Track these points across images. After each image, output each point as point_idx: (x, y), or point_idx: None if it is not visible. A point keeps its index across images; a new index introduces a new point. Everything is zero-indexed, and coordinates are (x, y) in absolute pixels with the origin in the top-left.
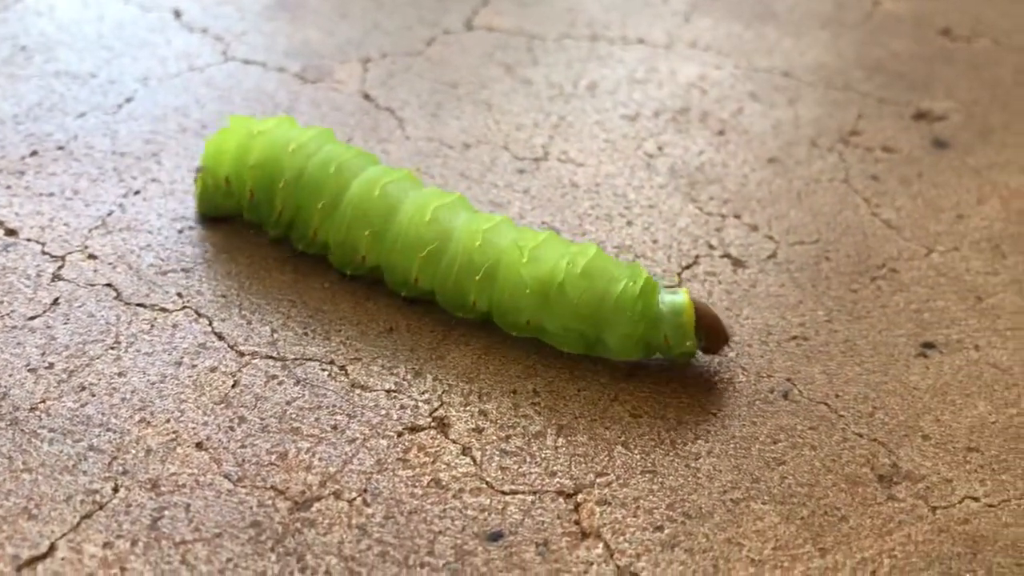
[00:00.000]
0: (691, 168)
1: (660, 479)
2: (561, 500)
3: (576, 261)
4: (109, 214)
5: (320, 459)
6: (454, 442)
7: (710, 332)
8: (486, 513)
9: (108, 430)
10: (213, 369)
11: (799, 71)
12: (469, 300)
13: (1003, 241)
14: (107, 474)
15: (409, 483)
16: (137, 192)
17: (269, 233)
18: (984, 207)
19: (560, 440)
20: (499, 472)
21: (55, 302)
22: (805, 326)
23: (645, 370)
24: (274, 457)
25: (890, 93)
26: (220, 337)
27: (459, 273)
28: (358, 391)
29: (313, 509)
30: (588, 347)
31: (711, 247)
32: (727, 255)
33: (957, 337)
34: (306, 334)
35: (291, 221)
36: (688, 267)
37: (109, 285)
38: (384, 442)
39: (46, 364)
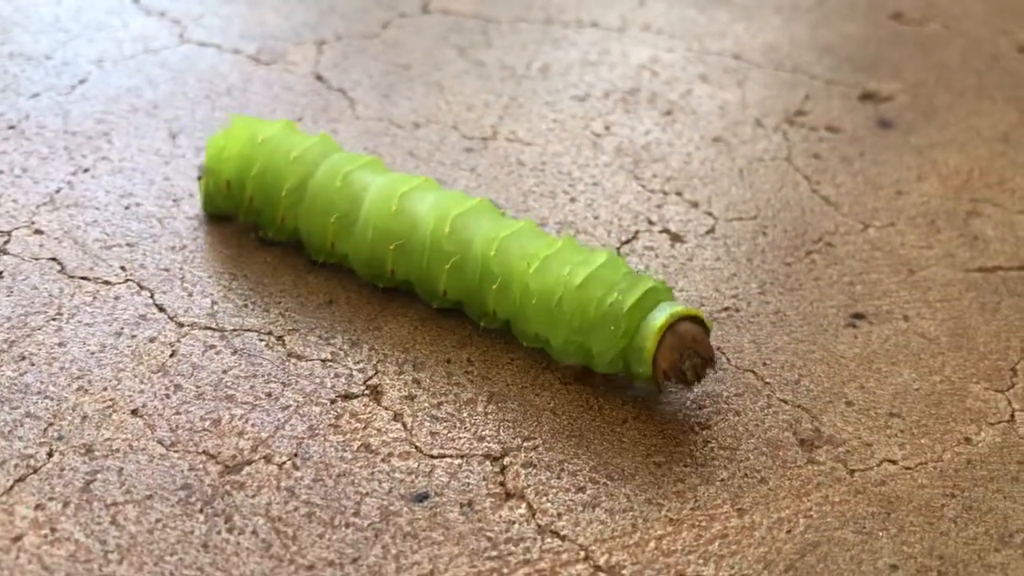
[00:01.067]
0: (637, 147)
1: (586, 443)
2: (488, 463)
3: (576, 272)
4: (57, 191)
5: (253, 425)
6: (386, 409)
7: (656, 371)
8: (413, 476)
9: (46, 398)
10: (152, 339)
11: (750, 54)
12: (489, 309)
13: (939, 216)
14: (42, 440)
15: (339, 448)
16: (86, 170)
17: (272, 237)
18: (923, 184)
19: (491, 407)
20: (429, 437)
21: None
22: (738, 298)
23: None
24: (207, 423)
25: (839, 75)
26: (161, 309)
27: (480, 283)
28: (294, 360)
29: (243, 472)
30: (585, 359)
31: (651, 223)
32: (666, 230)
33: (887, 308)
34: (246, 306)
35: (295, 230)
36: (627, 242)
37: (54, 259)
38: (317, 409)
39: None
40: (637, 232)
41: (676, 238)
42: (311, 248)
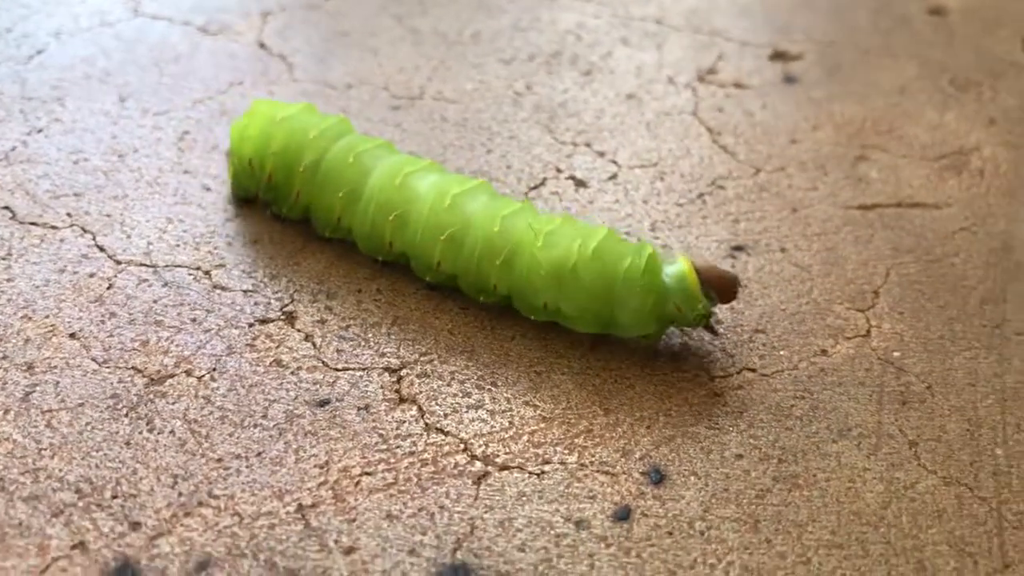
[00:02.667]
0: (554, 104)
1: (476, 357)
2: (386, 375)
3: (587, 243)
4: (12, 149)
5: (177, 345)
6: (299, 331)
7: (718, 286)
8: (318, 386)
9: None
10: (92, 275)
11: (671, 18)
12: (490, 284)
13: (828, 161)
14: None
15: (253, 363)
16: (40, 130)
17: (284, 214)
18: (817, 133)
19: (394, 328)
20: (335, 354)
21: None
22: (630, 234)
23: None
24: (137, 344)
25: (754, 37)
26: (101, 249)
27: (480, 258)
28: (218, 291)
29: (166, 384)
30: (603, 326)
31: (559, 171)
32: (572, 177)
33: (766, 241)
34: (178, 246)
35: (308, 206)
36: (535, 187)
37: (7, 208)
38: (236, 331)
39: None
40: (545, 179)
41: (580, 184)
42: (319, 223)
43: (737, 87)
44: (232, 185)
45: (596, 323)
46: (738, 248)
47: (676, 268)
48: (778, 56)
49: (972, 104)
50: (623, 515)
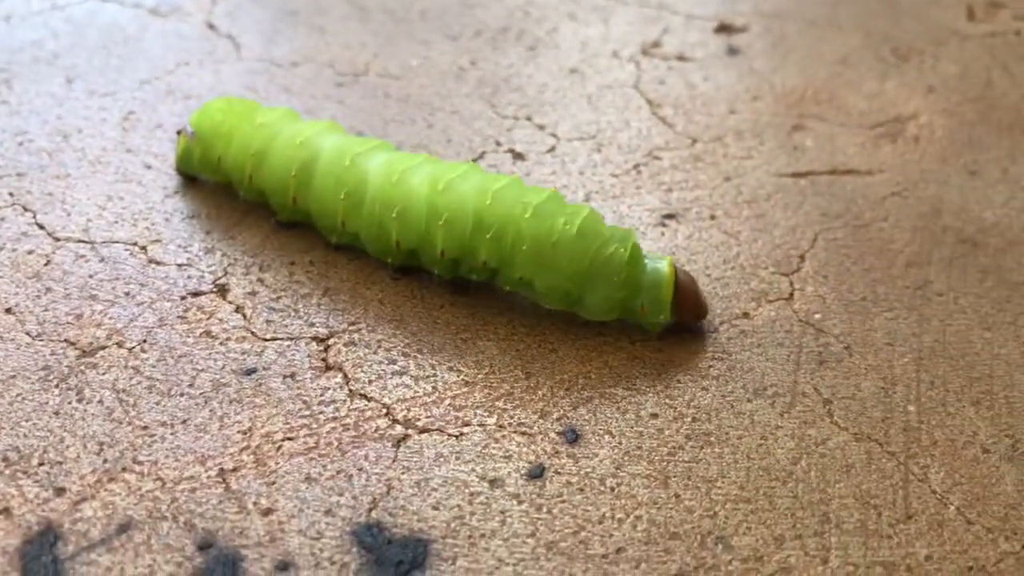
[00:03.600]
0: (498, 79)
1: (404, 326)
2: (314, 344)
3: (572, 221)
4: None
5: (110, 318)
6: (230, 303)
7: (684, 308)
8: (246, 355)
9: None
10: (30, 252)
11: None
12: (480, 260)
13: (765, 131)
14: None
15: (183, 335)
16: None
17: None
18: (757, 103)
19: (324, 299)
20: (265, 325)
21: None
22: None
23: None
24: (71, 318)
25: (700, 10)
26: (41, 227)
27: (473, 233)
28: (153, 266)
29: (97, 356)
30: (569, 304)
31: (498, 144)
32: (511, 150)
33: (696, 210)
34: (116, 222)
35: (307, 211)
36: (474, 160)
37: None
38: (168, 304)
39: None
40: (484, 152)
41: (518, 156)
42: (323, 229)
43: (680, 60)
44: (178, 162)
45: (563, 301)
46: (669, 216)
47: (657, 270)
48: (723, 29)
49: (913, 73)
50: (537, 473)
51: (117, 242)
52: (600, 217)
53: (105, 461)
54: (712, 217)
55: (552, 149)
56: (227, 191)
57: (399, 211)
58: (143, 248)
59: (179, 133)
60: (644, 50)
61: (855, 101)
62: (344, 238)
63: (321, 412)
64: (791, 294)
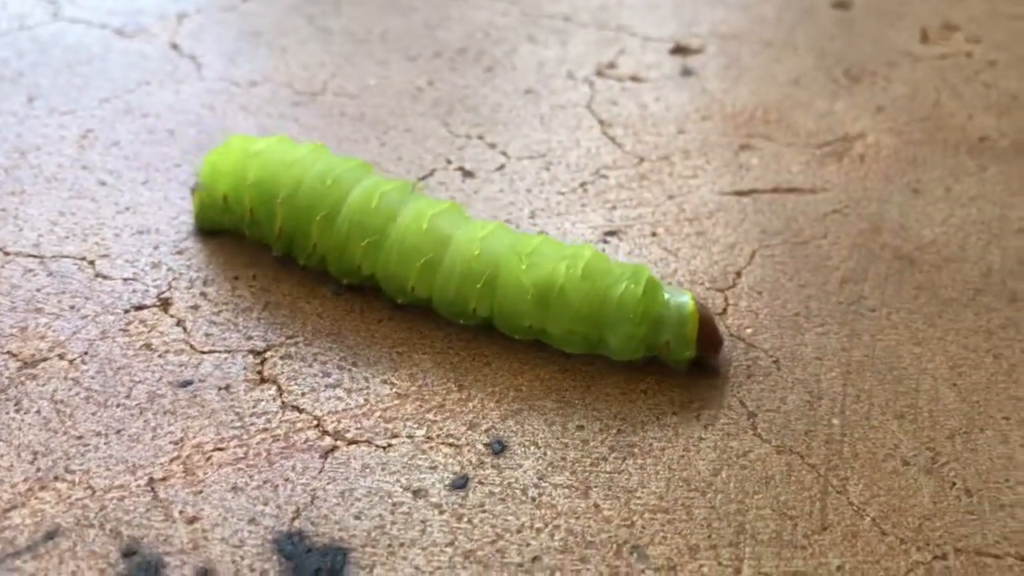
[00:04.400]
0: (453, 99)
1: (342, 340)
2: (251, 357)
3: (575, 264)
4: None
5: (53, 331)
6: (172, 316)
7: (705, 343)
8: (183, 368)
9: None
10: None
11: (579, 14)
12: (470, 307)
13: (712, 150)
14: None
15: (124, 347)
16: None
17: (273, 249)
18: (706, 123)
19: (264, 313)
20: (204, 338)
21: None
22: (510, 222)
23: None
24: (15, 330)
25: (657, 31)
26: None
27: (460, 281)
28: (100, 280)
29: (38, 367)
30: (591, 347)
31: (448, 161)
32: (461, 168)
33: (639, 227)
34: (67, 237)
35: (291, 236)
36: (423, 178)
37: None
38: (111, 317)
39: None
40: (434, 170)
41: (468, 174)
42: (299, 252)
43: (634, 80)
44: (197, 219)
45: (584, 345)
46: (610, 233)
47: (682, 305)
48: (679, 50)
49: (864, 93)
50: (460, 484)
51: (66, 256)
52: (605, 257)
53: (38, 470)
54: (653, 234)
55: (502, 167)
56: (175, 207)
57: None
58: (91, 263)
59: (192, 191)
60: (599, 71)
61: (804, 121)
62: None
63: (252, 423)
64: (724, 309)
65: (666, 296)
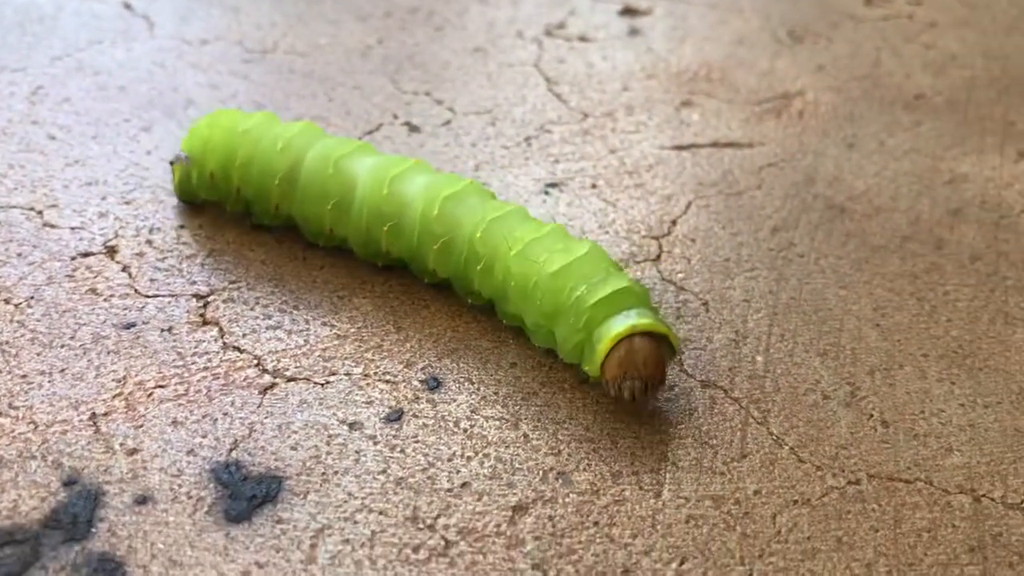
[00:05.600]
0: (402, 57)
1: (284, 284)
2: (194, 300)
3: (553, 260)
4: None
5: (0, 277)
6: (118, 263)
7: (610, 374)
8: (127, 311)
9: None
10: None
11: None
12: (475, 288)
13: (654, 107)
14: None
15: (70, 292)
16: None
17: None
18: (650, 81)
19: (208, 259)
20: (148, 283)
21: None
22: (456, 174)
23: None
24: None
25: None
26: None
27: (466, 263)
28: (47, 229)
29: None
30: (553, 343)
31: (395, 117)
32: (407, 123)
33: (579, 179)
34: (16, 188)
35: (289, 216)
36: (369, 132)
37: None
38: (58, 264)
39: None
40: (381, 124)
41: (414, 129)
42: (309, 233)
43: (582, 40)
44: (178, 191)
45: (546, 340)
46: (552, 185)
47: (610, 326)
48: (628, 12)
49: (805, 53)
50: (395, 417)
51: (15, 207)
52: (601, 257)
53: None
54: (593, 186)
55: (448, 123)
56: (128, 160)
57: (392, 225)
58: (39, 212)
59: (172, 163)
60: (548, 31)
61: (746, 79)
62: (332, 242)
63: (194, 362)
64: (659, 256)
65: (620, 315)
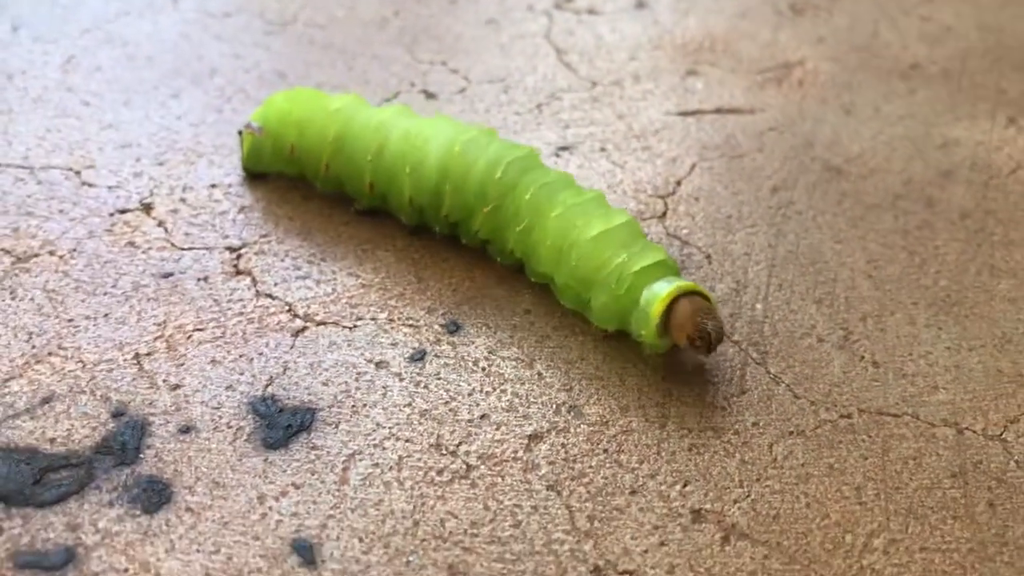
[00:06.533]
0: (418, 29)
1: (311, 239)
2: (227, 253)
3: (593, 224)
4: None
5: (44, 231)
6: (154, 219)
7: (678, 334)
8: (164, 262)
9: None
10: None
11: None
12: (508, 247)
13: (660, 76)
14: None
15: (109, 245)
16: None
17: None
18: (656, 52)
19: (239, 216)
20: (184, 237)
21: None
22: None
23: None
24: (8, 231)
25: None
26: None
27: (507, 224)
28: (86, 187)
29: (31, 262)
30: (581, 306)
31: (412, 85)
32: (424, 91)
33: (590, 143)
34: (53, 151)
35: (384, 193)
36: (388, 99)
37: None
38: (97, 220)
39: None
40: (399, 92)
41: (430, 96)
42: (392, 207)
43: (591, 13)
44: (247, 160)
45: (575, 301)
46: (563, 148)
47: (656, 289)
48: None
49: (806, 25)
50: (419, 357)
51: (54, 167)
52: (637, 229)
53: (33, 347)
54: (603, 149)
55: (463, 90)
56: (159, 124)
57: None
58: (77, 172)
59: (241, 132)
60: (558, 4)
61: (748, 50)
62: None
63: (229, 308)
64: (664, 213)
65: (659, 281)
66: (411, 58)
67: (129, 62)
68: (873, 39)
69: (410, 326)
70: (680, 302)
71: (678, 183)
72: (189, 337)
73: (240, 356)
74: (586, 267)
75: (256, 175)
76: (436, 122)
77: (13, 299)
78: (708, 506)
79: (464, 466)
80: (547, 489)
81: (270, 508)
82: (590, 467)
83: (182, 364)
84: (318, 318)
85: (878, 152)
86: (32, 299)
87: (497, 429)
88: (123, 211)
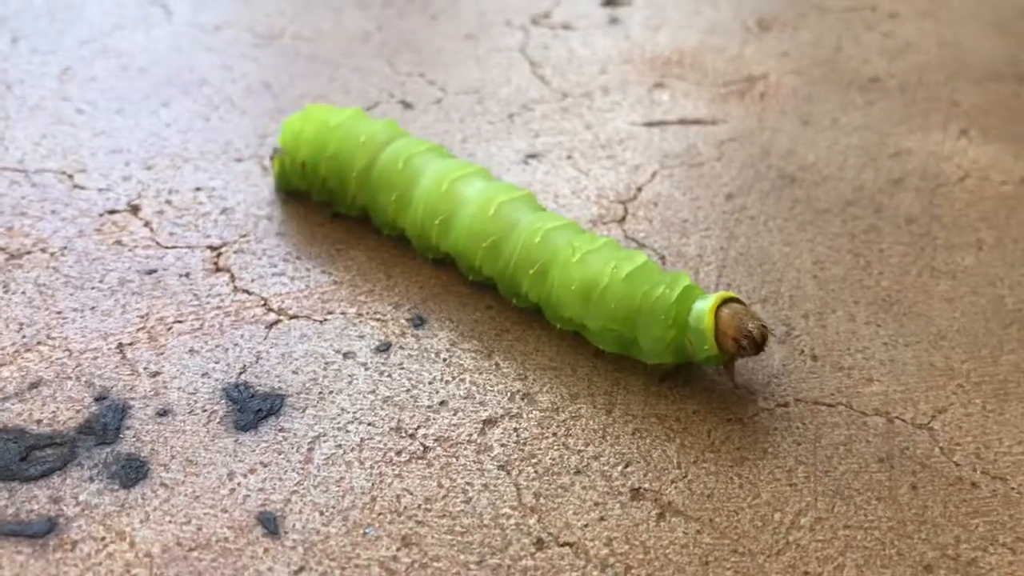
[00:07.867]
0: (399, 43)
1: (288, 238)
2: (208, 251)
3: (622, 266)
4: None
5: (36, 230)
6: (140, 219)
7: (734, 336)
8: (149, 259)
9: None
10: None
11: None
12: (522, 290)
13: (628, 88)
14: None
15: (98, 243)
16: None
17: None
18: (625, 66)
19: (221, 217)
20: (168, 236)
21: None
22: (443, 145)
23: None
24: (2, 230)
25: None
26: None
27: (516, 266)
28: (77, 190)
29: (23, 259)
30: (624, 348)
31: (391, 95)
32: (402, 101)
33: (557, 152)
34: (48, 156)
35: (364, 207)
36: (368, 108)
37: None
38: (87, 220)
39: None
40: (378, 102)
41: (408, 106)
42: (378, 224)
43: (565, 28)
44: (277, 181)
45: (618, 344)
46: (532, 156)
47: (701, 305)
48: (609, 2)
49: (773, 40)
50: (384, 348)
51: (48, 171)
52: (655, 265)
53: (24, 337)
54: (569, 157)
55: (439, 101)
56: (149, 131)
57: (442, 220)
58: (70, 176)
59: (271, 157)
60: (534, 20)
61: (714, 64)
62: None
63: (208, 302)
64: (624, 217)
65: (697, 300)
66: (391, 70)
67: (123, 73)
68: (836, 53)
69: (377, 320)
70: (720, 312)
71: (639, 189)
72: (169, 328)
73: (216, 346)
74: (626, 307)
75: (291, 193)
76: (425, 151)
77: (6, 292)
78: (647, 485)
79: (421, 448)
80: (498, 468)
81: (238, 484)
82: (539, 449)
83: (162, 353)
84: (291, 312)
85: (832, 161)
86: (24, 293)
87: (454, 414)
88: (112, 212)
